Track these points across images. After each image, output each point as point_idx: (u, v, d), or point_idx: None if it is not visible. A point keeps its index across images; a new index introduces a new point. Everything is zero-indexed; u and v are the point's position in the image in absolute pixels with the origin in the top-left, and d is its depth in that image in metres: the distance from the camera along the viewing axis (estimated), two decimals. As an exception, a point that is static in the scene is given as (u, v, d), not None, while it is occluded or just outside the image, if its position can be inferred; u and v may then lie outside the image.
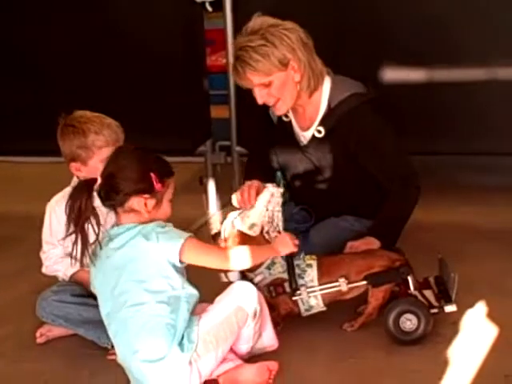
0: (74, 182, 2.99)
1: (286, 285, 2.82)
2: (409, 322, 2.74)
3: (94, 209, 2.54)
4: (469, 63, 3.98)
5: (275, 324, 2.78)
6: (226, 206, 3.91)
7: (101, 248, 2.55)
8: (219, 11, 4.22)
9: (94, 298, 2.91)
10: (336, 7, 4.01)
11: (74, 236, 2.63)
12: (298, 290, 2.80)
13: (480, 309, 2.98)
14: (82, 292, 2.92)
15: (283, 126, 3.21)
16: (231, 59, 4.05)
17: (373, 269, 2.79)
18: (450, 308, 2.78)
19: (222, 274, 2.89)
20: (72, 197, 2.56)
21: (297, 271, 2.81)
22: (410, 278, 2.79)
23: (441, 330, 2.81)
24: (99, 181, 2.53)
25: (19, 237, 3.84)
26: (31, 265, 3.13)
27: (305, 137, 3.17)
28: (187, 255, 2.49)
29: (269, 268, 2.84)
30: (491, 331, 2.84)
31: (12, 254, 3.69)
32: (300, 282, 2.80)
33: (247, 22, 3.03)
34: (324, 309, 2.85)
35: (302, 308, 2.84)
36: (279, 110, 3.10)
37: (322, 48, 3.10)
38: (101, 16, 4.34)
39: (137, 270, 2.48)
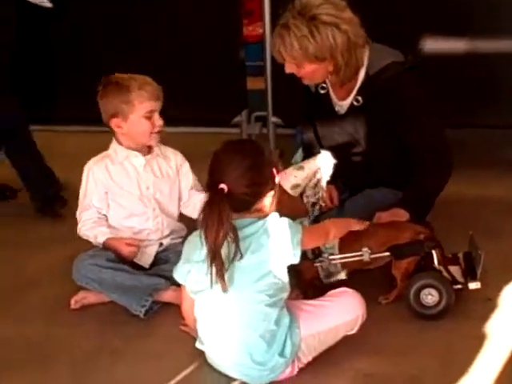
0: (114, 145, 3.05)
1: (309, 252, 2.78)
2: (430, 297, 2.71)
3: (232, 224, 2.34)
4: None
5: (304, 291, 2.77)
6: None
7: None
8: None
9: (128, 264, 2.96)
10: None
11: None
12: (320, 256, 2.78)
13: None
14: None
15: (320, 97, 3.21)
16: (268, 29, 4.07)
17: (397, 240, 2.77)
18: (473, 285, 2.75)
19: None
20: (207, 215, 2.32)
21: None
22: (434, 252, 2.76)
23: (475, 306, 2.78)
24: (226, 189, 2.33)
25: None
26: (69, 230, 3.15)
27: (342, 106, 3.16)
28: (305, 245, 2.49)
29: None
30: (527, 308, 2.80)
31: (50, 220, 3.72)
32: (321, 248, 2.78)
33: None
34: (345, 277, 2.82)
35: (322, 274, 2.81)
36: (305, 83, 3.13)
37: (368, 14, 3.02)
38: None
39: (256, 266, 2.40)
